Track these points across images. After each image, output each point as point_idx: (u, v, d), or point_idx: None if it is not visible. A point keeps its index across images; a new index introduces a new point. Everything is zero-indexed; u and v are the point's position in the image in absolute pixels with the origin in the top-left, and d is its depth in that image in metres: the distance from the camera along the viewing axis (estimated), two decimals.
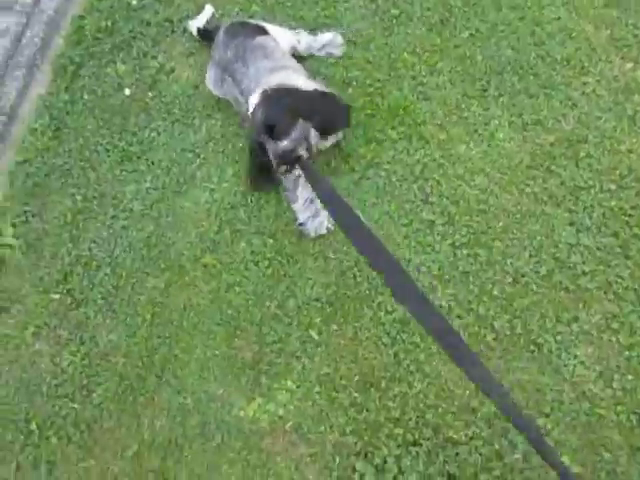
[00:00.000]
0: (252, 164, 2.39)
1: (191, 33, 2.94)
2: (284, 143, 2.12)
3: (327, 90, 2.38)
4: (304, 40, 2.74)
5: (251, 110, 2.22)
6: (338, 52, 2.80)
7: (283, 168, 2.16)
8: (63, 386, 2.28)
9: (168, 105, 2.81)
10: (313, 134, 2.23)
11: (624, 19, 2.69)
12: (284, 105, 2.16)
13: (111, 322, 2.37)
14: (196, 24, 2.88)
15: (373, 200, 2.44)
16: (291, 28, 2.78)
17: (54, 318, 2.40)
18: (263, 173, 2.39)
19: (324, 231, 2.37)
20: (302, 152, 2.13)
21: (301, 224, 2.37)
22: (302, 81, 2.32)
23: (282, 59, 2.48)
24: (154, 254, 2.48)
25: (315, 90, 2.27)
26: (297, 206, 2.39)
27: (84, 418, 2.22)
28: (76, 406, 2.24)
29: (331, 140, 2.45)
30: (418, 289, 1.53)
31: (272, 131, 2.12)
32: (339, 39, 2.79)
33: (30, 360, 2.35)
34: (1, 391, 2.32)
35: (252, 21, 2.67)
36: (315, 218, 2.36)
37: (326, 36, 2.79)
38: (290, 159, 2.11)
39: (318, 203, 2.35)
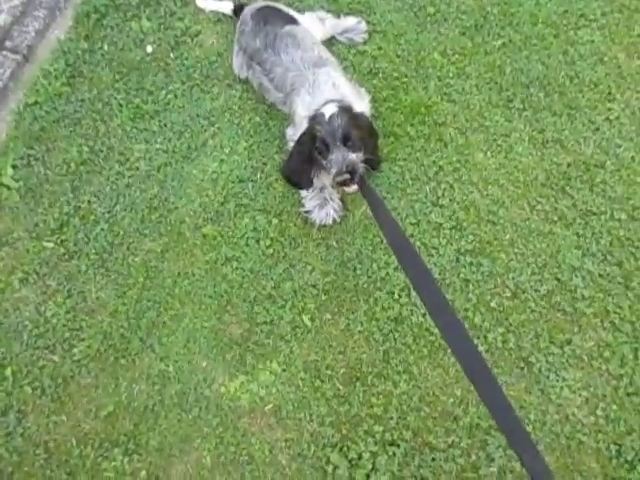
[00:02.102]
0: (296, 158, 2.30)
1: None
2: (355, 155, 2.06)
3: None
4: (328, 22, 2.70)
5: (322, 113, 2.12)
6: (359, 39, 2.76)
7: (342, 178, 2.04)
8: (44, 337, 2.22)
9: (189, 69, 2.75)
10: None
11: None
12: (365, 122, 2.16)
13: (102, 279, 2.32)
14: (206, 6, 2.87)
15: (384, 194, 2.40)
16: (318, 11, 2.76)
17: (44, 267, 2.35)
18: (305, 168, 2.27)
19: (330, 222, 2.33)
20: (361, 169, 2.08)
21: (307, 212, 2.34)
22: (343, 81, 2.32)
23: (315, 48, 2.43)
24: (155, 217, 2.43)
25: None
26: (305, 193, 2.35)
27: (62, 372, 2.17)
28: (55, 359, 2.19)
29: None
30: (463, 328, 1.49)
31: (348, 141, 2.07)
32: (363, 26, 2.75)
33: (14, 305, 2.29)
34: None
35: (280, 7, 2.61)
36: (322, 208, 2.32)
37: (349, 20, 2.74)
38: (354, 171, 2.04)
39: (327, 192, 2.31)
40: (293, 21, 2.52)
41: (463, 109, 2.59)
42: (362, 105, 2.34)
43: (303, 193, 2.35)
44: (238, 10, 2.74)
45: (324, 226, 2.34)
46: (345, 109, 2.10)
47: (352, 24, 2.73)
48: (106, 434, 2.07)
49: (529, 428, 2.01)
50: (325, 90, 2.21)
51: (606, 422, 2.01)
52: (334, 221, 2.33)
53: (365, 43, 2.75)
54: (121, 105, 2.68)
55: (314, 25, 2.62)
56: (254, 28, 2.47)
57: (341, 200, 2.38)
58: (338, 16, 2.76)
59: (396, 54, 2.73)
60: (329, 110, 2.09)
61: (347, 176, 2.02)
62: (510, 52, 2.73)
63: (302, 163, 2.20)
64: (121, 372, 2.17)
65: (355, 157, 2.06)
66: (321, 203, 2.31)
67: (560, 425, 2.02)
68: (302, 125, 2.20)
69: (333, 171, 2.04)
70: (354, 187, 2.08)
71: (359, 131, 2.09)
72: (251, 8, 2.60)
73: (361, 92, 2.46)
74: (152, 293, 2.28)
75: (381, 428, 2.03)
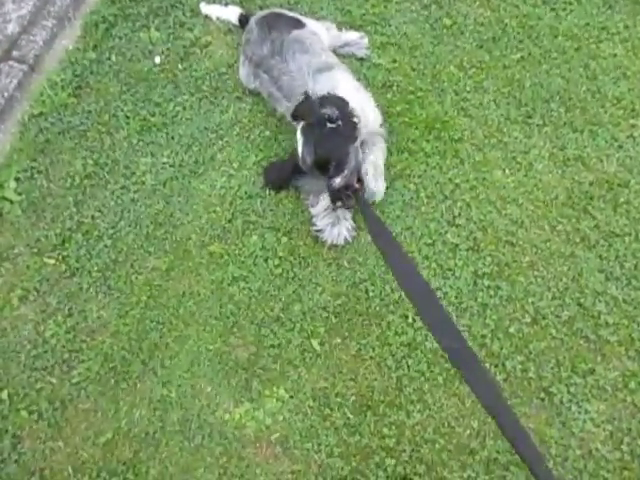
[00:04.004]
0: (281, 164, 2.27)
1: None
2: (337, 180, 2.05)
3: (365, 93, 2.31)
4: (331, 32, 2.62)
5: (299, 141, 2.12)
6: (361, 53, 2.67)
7: (339, 204, 2.10)
8: (43, 358, 2.14)
9: (198, 80, 2.68)
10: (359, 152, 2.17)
11: None
12: (334, 140, 2.07)
13: (104, 298, 2.24)
14: (211, 12, 2.80)
15: (397, 213, 2.31)
16: (329, 21, 2.70)
17: (45, 284, 2.27)
18: (284, 173, 2.30)
19: (341, 242, 2.24)
20: (355, 183, 2.11)
21: (318, 230, 2.25)
22: (347, 82, 2.25)
23: (323, 53, 2.36)
24: (160, 233, 2.34)
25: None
26: (316, 211, 2.26)
27: (60, 395, 2.08)
28: (53, 381, 2.11)
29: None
30: (473, 354, 1.41)
31: (325, 169, 2.05)
32: (365, 41, 2.67)
33: (12, 324, 2.21)
34: None
35: (286, 12, 2.54)
36: (334, 227, 2.23)
37: (351, 35, 2.66)
38: (345, 194, 2.06)
39: (340, 211, 2.22)
40: (299, 24, 2.45)
41: (480, 125, 2.50)
42: (368, 109, 2.28)
43: (314, 211, 2.27)
44: (244, 20, 2.67)
45: (335, 246, 2.25)
46: (314, 122, 2.06)
47: (354, 38, 2.65)
48: (104, 462, 1.98)
49: (550, 463, 1.90)
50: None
51: (632, 458, 1.90)
52: (346, 241, 2.24)
53: (379, 56, 2.67)
54: (128, 117, 2.61)
55: (319, 30, 2.55)
56: (260, 35, 2.40)
57: (354, 219, 2.28)
58: (340, 29, 2.69)
59: (411, 67, 2.65)
60: (298, 136, 2.10)
61: (339, 203, 2.08)
62: (529, 66, 2.64)
63: (284, 168, 2.23)
64: (121, 396, 2.08)
65: (339, 181, 2.06)
66: (333, 222, 2.22)
67: (583, 461, 1.90)
68: None
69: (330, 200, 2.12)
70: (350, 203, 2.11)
71: (344, 134, 2.07)
72: (256, 16, 2.53)
73: (370, 99, 2.38)
74: (155, 313, 2.20)
75: (393, 461, 1.93)
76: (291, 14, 2.53)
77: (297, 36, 2.36)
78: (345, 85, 2.23)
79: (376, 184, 2.25)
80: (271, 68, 2.34)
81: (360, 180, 2.18)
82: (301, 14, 2.67)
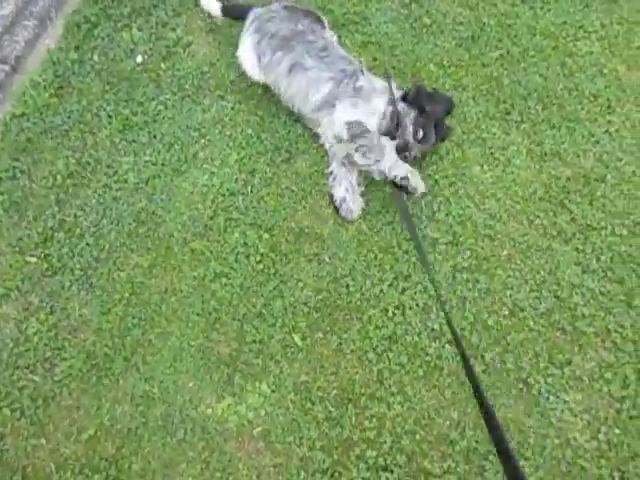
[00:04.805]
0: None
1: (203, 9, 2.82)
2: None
3: None
4: None
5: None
6: None
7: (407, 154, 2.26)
8: (25, 356, 2.14)
9: (180, 80, 2.69)
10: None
11: None
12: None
13: (86, 295, 2.24)
14: (203, 3, 2.78)
15: (378, 208, 2.34)
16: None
17: (27, 282, 2.27)
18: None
19: (354, 218, 2.34)
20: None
21: (337, 200, 2.36)
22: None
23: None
24: (142, 231, 2.35)
25: None
26: (339, 189, 2.38)
27: (42, 393, 2.08)
28: (36, 379, 2.11)
29: None
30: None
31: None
32: (335, 39, 2.70)
33: None
34: None
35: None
36: (355, 202, 2.34)
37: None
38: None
39: (358, 193, 2.36)
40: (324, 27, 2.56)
41: (460, 122, 2.53)
42: None
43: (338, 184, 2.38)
44: (230, 11, 2.69)
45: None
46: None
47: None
48: (87, 459, 1.98)
49: (528, 453, 1.93)
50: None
51: (608, 447, 1.93)
52: (356, 218, 2.35)
53: (360, 55, 2.70)
54: (110, 116, 2.62)
55: None
56: (291, 16, 2.45)
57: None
58: None
59: (391, 65, 2.68)
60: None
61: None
62: (508, 64, 2.68)
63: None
64: (104, 393, 2.08)
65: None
66: (351, 199, 2.35)
67: (561, 450, 1.93)
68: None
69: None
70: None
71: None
72: (271, 7, 2.53)
73: None
74: (138, 310, 2.20)
75: (374, 453, 1.95)
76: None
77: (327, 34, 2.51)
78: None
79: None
80: (312, 41, 2.37)
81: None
82: None
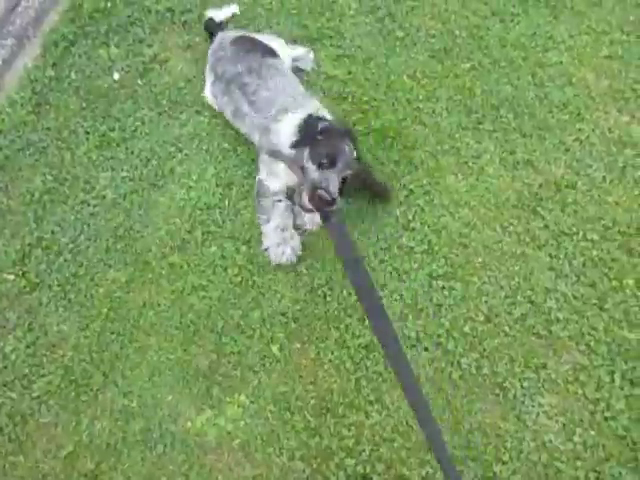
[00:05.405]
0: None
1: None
2: (333, 171, 2.03)
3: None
4: (287, 48, 2.70)
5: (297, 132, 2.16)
6: (308, 67, 2.77)
7: (309, 205, 2.04)
8: (2, 373, 2.14)
9: (157, 95, 2.72)
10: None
11: (625, 72, 2.69)
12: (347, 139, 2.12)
13: (64, 312, 2.24)
14: (214, 14, 2.85)
15: (353, 218, 2.37)
16: (279, 36, 2.76)
17: (4, 300, 2.27)
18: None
19: (285, 261, 2.25)
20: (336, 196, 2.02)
21: (265, 249, 2.29)
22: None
23: (299, 84, 2.48)
24: (120, 246, 2.37)
25: None
26: (267, 229, 2.29)
27: (20, 410, 2.08)
28: (14, 396, 2.10)
29: None
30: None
31: (333, 161, 2.04)
32: (311, 55, 2.77)
33: None
34: None
35: (258, 38, 2.60)
36: (279, 246, 2.25)
37: (299, 50, 2.75)
38: (328, 194, 1.97)
39: (288, 233, 2.27)
40: (274, 54, 2.53)
41: (433, 132, 2.58)
42: None
43: (265, 229, 2.30)
44: (209, 27, 2.79)
45: (279, 265, 2.28)
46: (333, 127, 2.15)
47: (301, 53, 2.74)
48: (65, 475, 1.97)
49: (505, 457, 1.95)
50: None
51: (584, 448, 1.96)
52: (290, 262, 2.27)
53: (335, 68, 2.75)
54: (88, 133, 2.64)
55: (283, 50, 2.62)
56: (235, 55, 2.46)
57: (302, 242, 2.33)
58: (288, 43, 2.77)
59: (365, 78, 2.73)
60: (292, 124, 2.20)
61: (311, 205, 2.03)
62: (479, 75, 2.74)
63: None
64: (82, 408, 2.08)
65: (333, 174, 2.05)
66: (280, 241, 2.25)
67: (537, 453, 1.96)
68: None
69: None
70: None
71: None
72: (227, 36, 2.58)
73: None
74: (116, 325, 2.21)
75: (353, 461, 1.96)
76: (265, 42, 2.59)
77: (274, 63, 2.46)
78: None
79: None
80: (246, 84, 2.38)
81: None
82: (259, 30, 2.75)
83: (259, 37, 2.60)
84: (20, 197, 2.48)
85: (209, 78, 2.59)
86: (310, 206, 2.03)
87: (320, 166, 2.04)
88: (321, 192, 1.96)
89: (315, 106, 2.28)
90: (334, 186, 2.01)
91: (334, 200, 1.97)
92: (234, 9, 2.91)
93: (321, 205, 1.98)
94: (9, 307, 2.26)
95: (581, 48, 2.81)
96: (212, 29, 2.77)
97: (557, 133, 2.57)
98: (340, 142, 2.07)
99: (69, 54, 2.88)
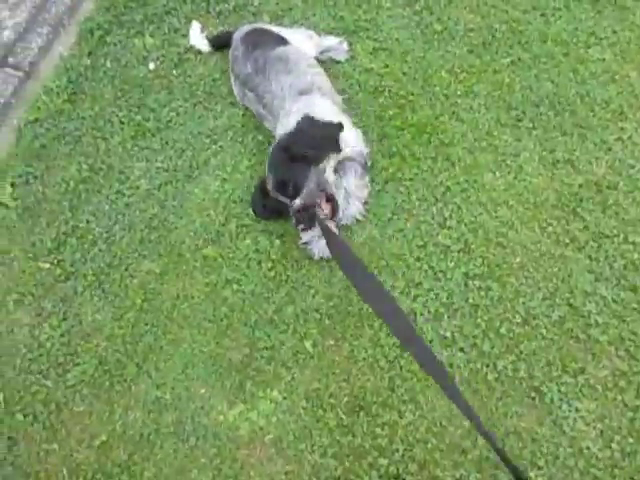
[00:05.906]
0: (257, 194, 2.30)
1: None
2: (297, 202, 2.06)
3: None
4: (313, 40, 2.65)
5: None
6: (341, 57, 2.72)
7: (300, 226, 2.10)
8: (38, 361, 2.16)
9: (192, 86, 2.71)
10: (329, 174, 2.17)
11: None
12: (293, 159, 2.09)
13: (98, 301, 2.26)
14: (193, 42, 2.80)
15: (389, 215, 2.34)
16: (312, 28, 2.73)
17: (40, 288, 2.29)
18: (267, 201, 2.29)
19: (328, 255, 2.21)
20: (317, 208, 2.08)
21: (305, 243, 2.26)
22: (324, 106, 2.26)
23: (309, 73, 2.37)
24: (154, 237, 2.37)
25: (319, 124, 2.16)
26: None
27: (55, 398, 2.10)
28: (49, 384, 2.13)
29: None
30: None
31: (286, 190, 2.07)
32: (345, 46, 2.71)
33: (7, 328, 2.23)
34: None
35: (269, 28, 2.56)
36: (320, 239, 2.21)
37: (331, 40, 2.70)
38: (306, 217, 2.05)
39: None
40: (283, 42, 2.46)
41: (471, 128, 2.53)
42: (350, 137, 2.28)
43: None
44: (221, 39, 2.74)
45: (322, 259, 2.26)
46: (279, 146, 2.11)
47: (334, 44, 2.69)
48: (99, 464, 1.99)
49: (541, 462, 1.92)
50: (291, 122, 2.15)
51: (622, 456, 1.91)
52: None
53: (371, 62, 2.71)
54: (122, 122, 2.64)
55: (304, 43, 2.58)
56: (245, 53, 2.43)
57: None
58: (320, 35, 2.72)
59: (402, 72, 2.68)
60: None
61: (301, 226, 2.07)
62: (519, 70, 2.68)
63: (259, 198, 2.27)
64: (116, 399, 2.09)
65: (298, 202, 2.06)
66: (319, 234, 2.19)
67: (574, 459, 1.92)
68: None
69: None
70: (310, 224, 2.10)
71: (304, 155, 2.08)
72: (241, 32, 2.55)
73: (348, 123, 2.35)
74: (150, 316, 2.22)
75: (386, 461, 1.94)
76: (276, 30, 2.55)
77: (280, 54, 2.38)
78: (321, 110, 2.22)
79: (347, 208, 2.27)
80: (256, 86, 2.36)
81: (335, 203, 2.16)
82: (294, 22, 2.71)
83: (282, 30, 2.56)
84: (56, 186, 2.49)
85: (232, 79, 2.58)
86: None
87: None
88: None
89: (300, 105, 2.22)
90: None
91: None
92: (196, 26, 2.83)
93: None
94: (44, 295, 2.27)
95: (625, 44, 2.72)
96: (218, 43, 2.75)
97: (599, 132, 2.50)
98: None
99: (104, 43, 2.88)
